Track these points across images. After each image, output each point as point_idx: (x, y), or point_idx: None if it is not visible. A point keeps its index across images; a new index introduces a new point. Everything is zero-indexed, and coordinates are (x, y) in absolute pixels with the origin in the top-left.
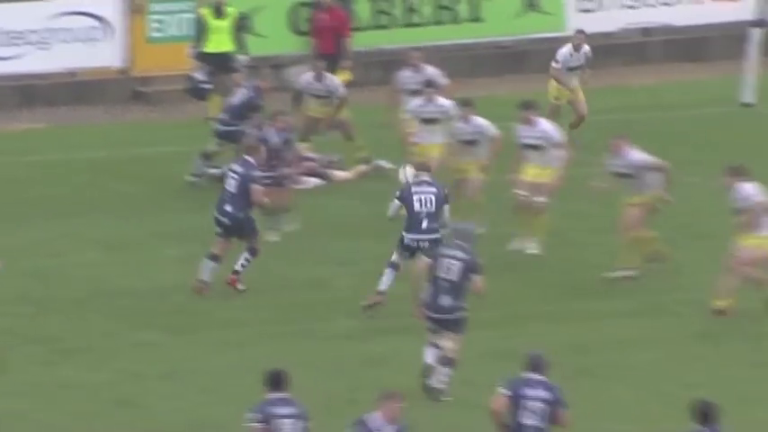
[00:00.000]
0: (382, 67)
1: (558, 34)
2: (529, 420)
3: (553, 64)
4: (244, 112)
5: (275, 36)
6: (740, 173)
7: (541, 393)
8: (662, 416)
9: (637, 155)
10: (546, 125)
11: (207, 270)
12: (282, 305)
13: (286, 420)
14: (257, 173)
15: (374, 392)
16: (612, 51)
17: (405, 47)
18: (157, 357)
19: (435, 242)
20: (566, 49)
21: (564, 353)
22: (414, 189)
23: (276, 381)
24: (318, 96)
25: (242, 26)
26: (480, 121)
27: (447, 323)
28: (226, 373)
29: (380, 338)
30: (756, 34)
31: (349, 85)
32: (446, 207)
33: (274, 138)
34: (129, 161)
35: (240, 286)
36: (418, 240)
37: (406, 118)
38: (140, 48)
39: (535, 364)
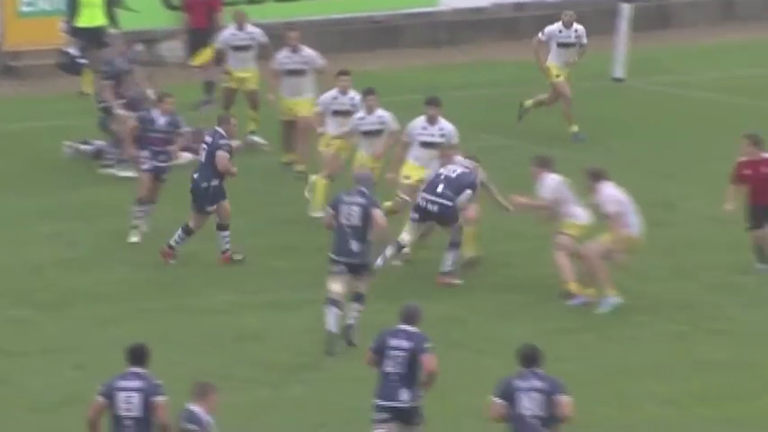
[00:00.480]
0: None
1: (431, 9)
2: (527, 411)
3: (539, 35)
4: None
5: (148, 10)
6: (547, 164)
7: (535, 384)
8: None
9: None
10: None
11: (177, 237)
12: (156, 280)
13: (122, 393)
14: (224, 141)
15: (249, 367)
16: (484, 26)
17: (277, 21)
18: (30, 334)
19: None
20: (555, 26)
21: (438, 326)
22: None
23: (134, 355)
24: (240, 48)
25: (114, 0)
26: (383, 112)
27: (356, 267)
28: (100, 349)
29: (255, 313)
30: (626, 9)
31: (216, 60)
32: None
33: (160, 120)
34: (0, 136)
35: (171, 261)
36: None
37: (317, 111)
38: (11, 22)
39: (527, 357)
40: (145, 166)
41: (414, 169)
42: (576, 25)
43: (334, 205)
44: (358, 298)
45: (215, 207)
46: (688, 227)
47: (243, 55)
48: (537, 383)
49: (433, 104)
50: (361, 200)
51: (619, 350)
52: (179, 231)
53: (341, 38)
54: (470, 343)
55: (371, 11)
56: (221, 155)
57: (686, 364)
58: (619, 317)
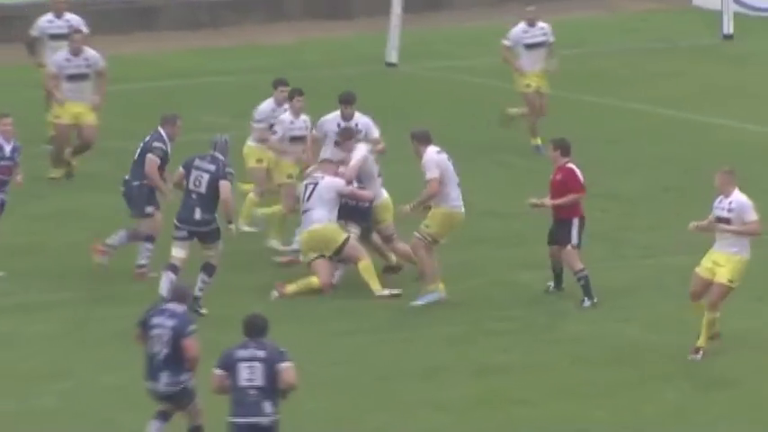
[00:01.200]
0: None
1: None
2: (245, 383)
3: (503, 41)
4: None
5: None
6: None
7: (256, 353)
8: (303, 394)
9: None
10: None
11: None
12: None
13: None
14: (158, 144)
15: None
16: (245, 8)
17: (26, 3)
18: None
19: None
20: (518, 27)
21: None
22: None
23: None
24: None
25: None
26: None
27: (201, 235)
28: None
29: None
30: None
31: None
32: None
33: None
34: None
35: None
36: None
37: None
38: None
39: (251, 329)
40: None
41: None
42: (541, 23)
43: (186, 166)
44: (206, 268)
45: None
46: (468, 220)
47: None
48: (258, 353)
49: (348, 102)
50: (211, 167)
51: (394, 354)
52: (146, 245)
53: (94, 19)
54: None
55: None
56: (150, 158)
57: (465, 367)
58: (395, 319)
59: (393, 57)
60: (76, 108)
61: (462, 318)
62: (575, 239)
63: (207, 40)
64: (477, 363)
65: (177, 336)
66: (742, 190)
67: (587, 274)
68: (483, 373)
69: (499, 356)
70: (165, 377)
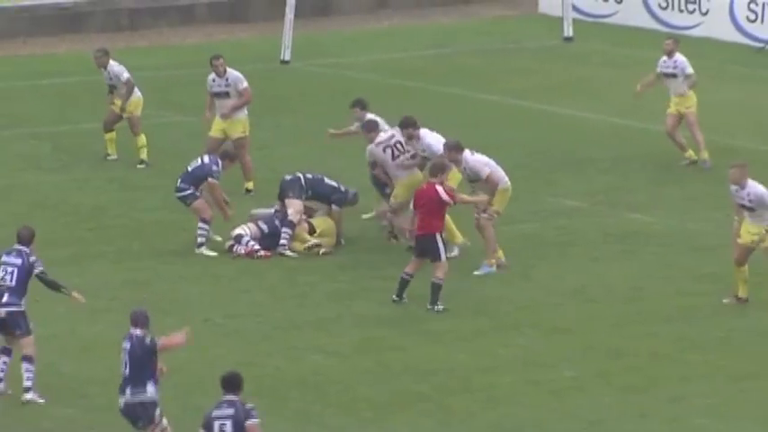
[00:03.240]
0: None
1: None
2: None
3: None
4: None
5: None
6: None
7: (227, 411)
8: (211, 342)
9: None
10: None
11: None
12: None
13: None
14: (216, 168)
15: None
16: (160, 13)
17: None
18: None
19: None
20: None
21: (123, 289)
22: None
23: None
24: None
25: None
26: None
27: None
28: None
29: None
30: None
31: None
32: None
33: None
34: None
35: None
36: None
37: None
38: None
39: (228, 384)
40: None
41: None
42: (677, 55)
43: None
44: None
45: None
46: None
47: None
48: (229, 411)
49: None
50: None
51: (288, 308)
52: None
53: (29, 23)
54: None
55: None
56: (212, 183)
57: (348, 318)
58: (290, 277)
59: (287, 55)
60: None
61: (346, 276)
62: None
63: (127, 40)
64: (359, 315)
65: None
66: (581, 170)
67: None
68: (363, 323)
69: (378, 310)
70: None
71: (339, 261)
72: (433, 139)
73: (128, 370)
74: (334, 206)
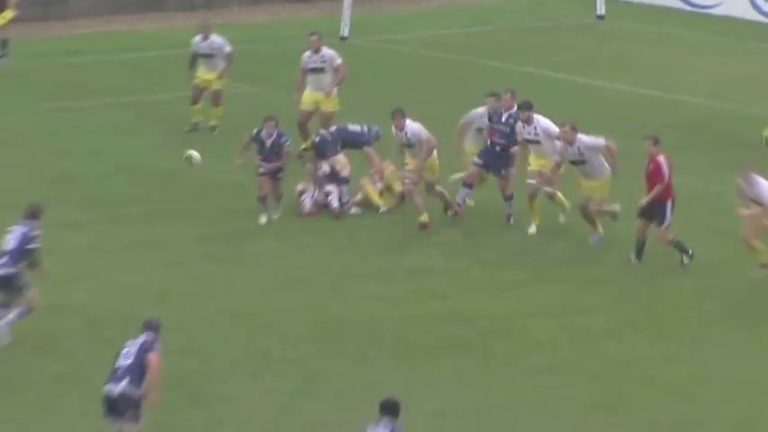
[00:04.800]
0: None
1: None
2: None
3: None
4: None
5: None
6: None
7: (378, 430)
8: (276, 291)
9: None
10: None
11: None
12: None
13: None
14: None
15: None
16: None
17: None
18: None
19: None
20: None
21: (194, 243)
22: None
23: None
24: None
25: None
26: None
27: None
28: None
29: None
30: None
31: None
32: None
33: None
34: None
35: None
36: None
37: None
38: None
39: (384, 407)
40: None
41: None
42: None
43: None
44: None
45: None
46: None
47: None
48: (381, 430)
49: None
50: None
51: (348, 259)
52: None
53: (113, 3)
54: (225, 257)
55: None
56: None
57: (400, 271)
58: (350, 234)
59: (345, 32)
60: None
61: (399, 231)
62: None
63: (202, 19)
64: (410, 268)
65: None
66: (610, 136)
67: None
68: (414, 275)
69: (427, 263)
70: None
71: (393, 218)
72: (546, 122)
73: (131, 360)
74: (365, 147)
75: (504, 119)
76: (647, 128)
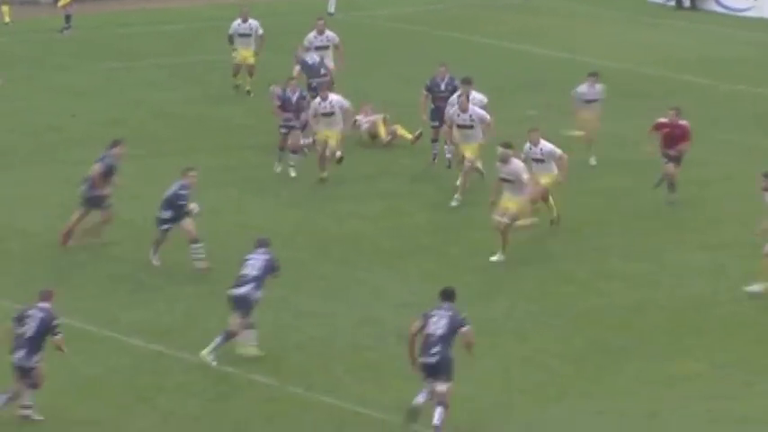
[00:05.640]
0: None
1: None
2: (431, 329)
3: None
4: None
5: None
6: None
7: (443, 312)
8: (322, 254)
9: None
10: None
11: None
12: None
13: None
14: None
15: None
16: None
17: None
18: None
19: None
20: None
21: (218, 172)
22: None
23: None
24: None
25: None
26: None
27: None
28: None
29: None
30: None
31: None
32: None
33: None
34: None
35: None
36: None
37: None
38: None
39: (444, 294)
40: None
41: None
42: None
43: None
44: None
45: None
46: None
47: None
48: (447, 313)
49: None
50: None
51: (333, 187)
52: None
53: None
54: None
55: None
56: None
57: (375, 193)
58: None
59: (332, 8)
60: (245, 53)
61: (374, 160)
62: None
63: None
64: (384, 191)
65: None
66: (537, 90)
67: None
68: (385, 196)
69: (399, 187)
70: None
71: (365, 153)
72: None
73: (32, 334)
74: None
75: (442, 87)
76: (563, 82)
